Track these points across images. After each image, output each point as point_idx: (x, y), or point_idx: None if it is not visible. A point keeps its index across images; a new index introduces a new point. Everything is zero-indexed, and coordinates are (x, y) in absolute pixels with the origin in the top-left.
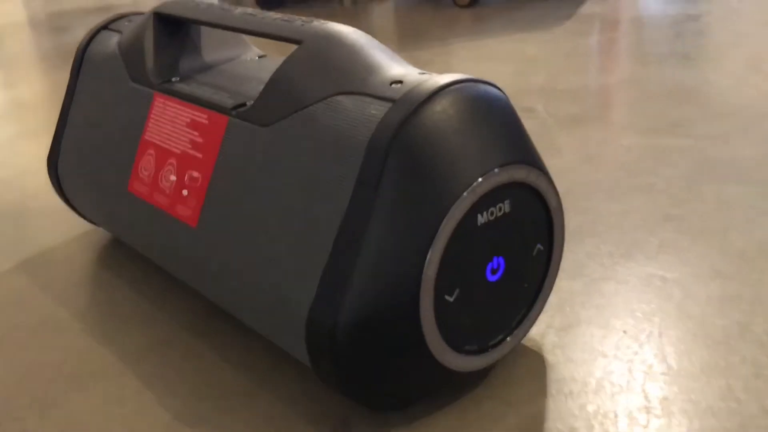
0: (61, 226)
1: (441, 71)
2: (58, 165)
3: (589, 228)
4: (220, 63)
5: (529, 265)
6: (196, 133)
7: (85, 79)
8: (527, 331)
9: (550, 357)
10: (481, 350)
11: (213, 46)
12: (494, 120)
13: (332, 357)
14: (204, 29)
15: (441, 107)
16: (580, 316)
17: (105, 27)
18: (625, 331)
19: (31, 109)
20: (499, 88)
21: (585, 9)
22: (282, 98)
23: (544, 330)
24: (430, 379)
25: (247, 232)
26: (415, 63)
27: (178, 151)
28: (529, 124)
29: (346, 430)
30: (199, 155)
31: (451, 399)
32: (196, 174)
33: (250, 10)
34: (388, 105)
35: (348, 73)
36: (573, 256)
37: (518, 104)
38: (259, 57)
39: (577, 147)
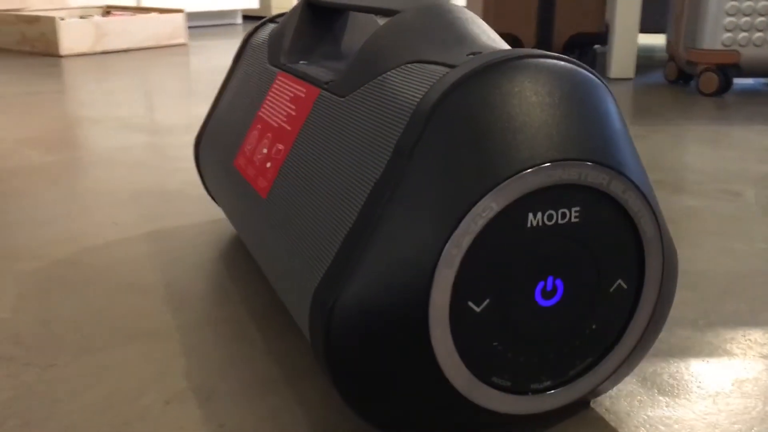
0: (205, 208)
1: (651, 147)
2: (200, 145)
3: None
4: (355, 48)
5: (602, 303)
6: (293, 107)
7: (240, 64)
8: (593, 389)
9: None
10: (517, 390)
11: (357, 34)
12: (575, 106)
13: (325, 344)
14: (351, 18)
15: (506, 78)
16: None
17: (271, 20)
18: None
19: None
20: (597, 76)
21: None
22: (362, 68)
23: (629, 408)
24: (437, 403)
25: (301, 204)
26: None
27: (276, 125)
28: (728, 207)
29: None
30: (289, 128)
31: None
32: (281, 147)
33: None
34: (450, 71)
35: (431, 44)
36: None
37: (725, 187)
38: None
39: None
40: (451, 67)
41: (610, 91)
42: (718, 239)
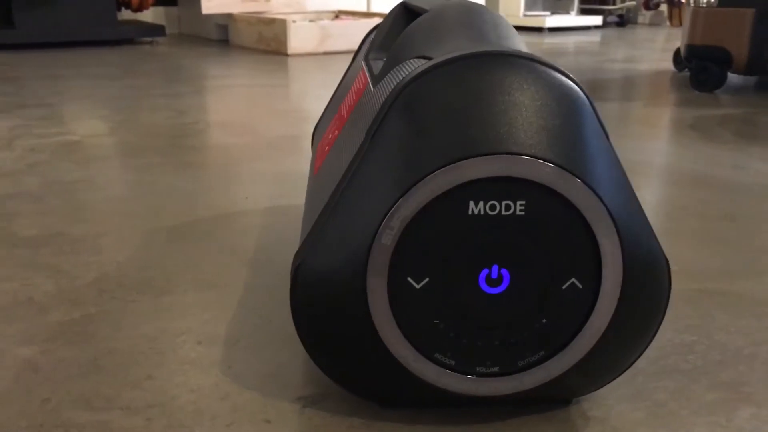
0: None
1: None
2: (315, 131)
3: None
4: None
5: (553, 299)
6: (354, 98)
7: (355, 59)
8: (541, 384)
9: None
10: (461, 370)
11: None
12: (538, 106)
13: (290, 301)
14: None
15: (469, 70)
16: None
17: None
18: None
19: None
20: (572, 79)
21: None
22: (388, 62)
23: (605, 415)
24: (381, 370)
25: (322, 180)
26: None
27: (342, 114)
28: (727, 230)
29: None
30: (345, 116)
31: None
32: (336, 132)
33: None
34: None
35: (434, 41)
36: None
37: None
38: None
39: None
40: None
41: (591, 102)
42: None
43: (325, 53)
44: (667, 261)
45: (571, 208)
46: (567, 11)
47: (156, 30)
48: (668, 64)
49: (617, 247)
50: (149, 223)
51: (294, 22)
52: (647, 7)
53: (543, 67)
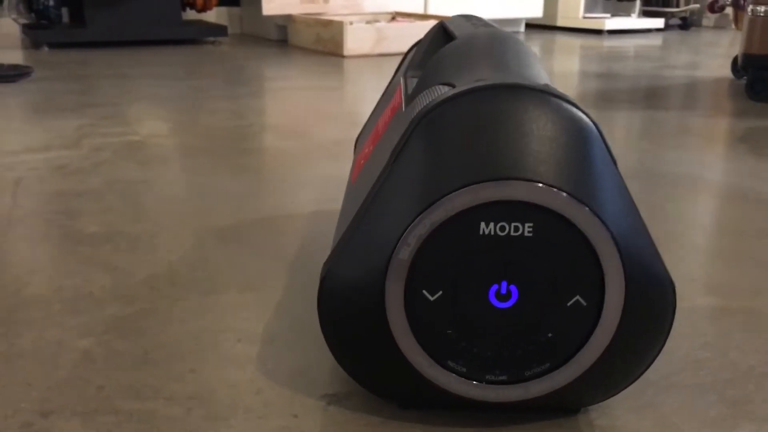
0: None
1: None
2: (357, 142)
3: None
4: None
5: (558, 314)
6: (389, 113)
7: (396, 74)
8: (547, 393)
9: None
10: (472, 377)
11: None
12: (549, 135)
13: (318, 305)
14: None
15: (486, 101)
16: None
17: None
18: None
19: None
20: (582, 110)
21: None
22: (418, 86)
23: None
24: (398, 374)
25: (355, 193)
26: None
27: (379, 127)
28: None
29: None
30: (381, 131)
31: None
32: (371, 147)
33: (484, 22)
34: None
35: (459, 69)
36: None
37: None
38: None
39: None
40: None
41: (600, 132)
42: None
43: (381, 55)
44: (672, 282)
45: (576, 231)
46: (628, 13)
47: (218, 30)
48: (728, 71)
49: (620, 269)
50: (200, 224)
51: (351, 23)
52: (712, 10)
53: (555, 99)
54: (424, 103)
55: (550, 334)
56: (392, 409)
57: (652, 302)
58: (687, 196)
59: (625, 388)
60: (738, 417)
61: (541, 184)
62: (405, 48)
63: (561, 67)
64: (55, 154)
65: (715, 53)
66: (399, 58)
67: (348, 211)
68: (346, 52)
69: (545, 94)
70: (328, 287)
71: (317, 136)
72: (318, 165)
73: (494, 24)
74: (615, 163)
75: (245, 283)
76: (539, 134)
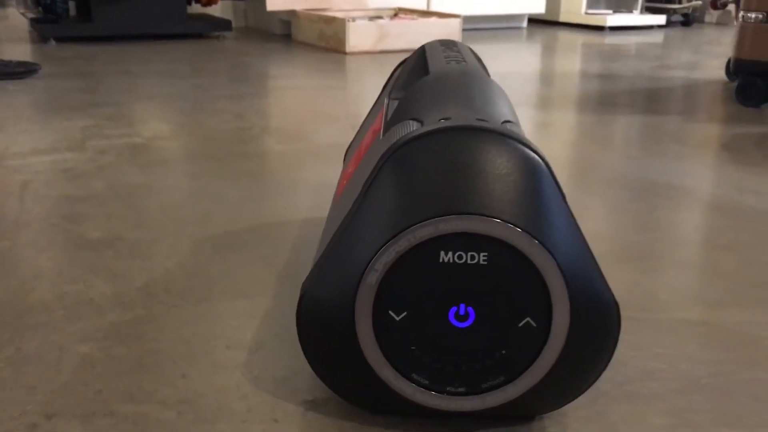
0: None
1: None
2: (346, 155)
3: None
4: None
5: (511, 334)
6: (370, 136)
7: (383, 92)
8: (501, 404)
9: None
10: (434, 389)
11: None
12: (501, 173)
13: (297, 322)
14: None
15: (447, 141)
16: None
17: None
18: None
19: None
20: (541, 155)
21: None
22: (395, 116)
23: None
24: (368, 385)
25: (335, 215)
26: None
27: (361, 149)
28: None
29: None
30: (363, 154)
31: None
32: (353, 168)
33: (459, 50)
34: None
35: (426, 105)
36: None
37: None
38: None
39: None
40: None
41: (550, 169)
42: None
43: (383, 51)
44: (616, 304)
45: (526, 260)
46: (630, 10)
47: (223, 24)
48: (724, 73)
49: (565, 294)
50: (197, 231)
51: (353, 20)
52: (714, 7)
53: (510, 140)
54: (395, 139)
55: (504, 351)
56: (364, 415)
57: (597, 323)
58: (667, 207)
59: (575, 398)
60: (681, 426)
61: (494, 219)
62: (407, 45)
63: (563, 67)
64: (60, 156)
65: (714, 52)
66: (401, 56)
67: (328, 231)
68: (348, 49)
69: (501, 136)
70: (305, 307)
71: (316, 140)
72: (313, 170)
73: (474, 52)
74: (563, 196)
75: (237, 291)
76: (494, 173)
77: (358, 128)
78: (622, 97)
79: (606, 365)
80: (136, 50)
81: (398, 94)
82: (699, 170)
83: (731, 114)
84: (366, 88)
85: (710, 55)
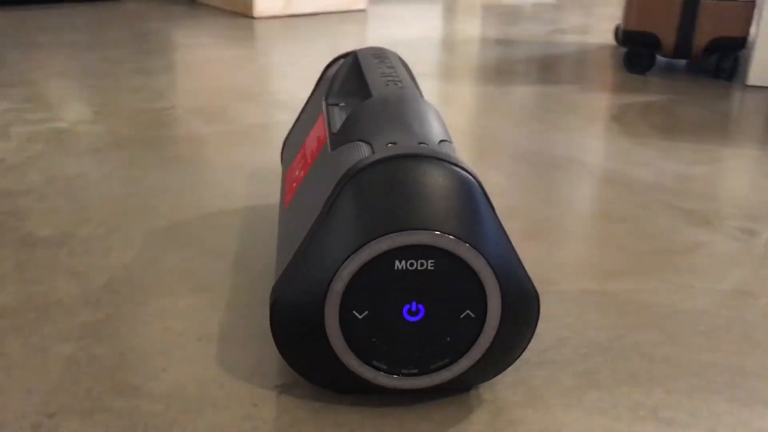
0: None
1: (718, 173)
2: (283, 150)
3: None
4: None
5: (454, 324)
6: (315, 144)
7: (317, 90)
8: (448, 380)
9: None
10: (391, 372)
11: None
12: (442, 193)
13: (271, 323)
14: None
15: (397, 168)
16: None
17: (343, 57)
18: None
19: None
20: (474, 176)
21: None
22: (341, 134)
23: (493, 397)
24: (337, 372)
25: (293, 221)
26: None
27: (307, 154)
28: (731, 246)
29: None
30: (309, 160)
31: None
32: (302, 173)
33: (391, 63)
34: (369, 155)
35: (372, 128)
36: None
37: (747, 225)
38: None
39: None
40: (372, 150)
41: (482, 186)
42: (688, 276)
43: (292, 16)
44: (536, 294)
45: (465, 263)
46: None
47: None
48: (613, 37)
49: (497, 289)
50: (145, 224)
51: None
52: None
53: (448, 164)
54: (348, 159)
55: (448, 338)
56: (331, 395)
57: (522, 309)
58: (567, 181)
59: (504, 370)
60: (587, 386)
61: (438, 232)
62: (316, 8)
63: (464, 32)
64: None
65: (604, 14)
66: (309, 21)
67: (287, 238)
68: (256, 14)
69: (441, 161)
70: (278, 309)
71: (241, 121)
72: (245, 154)
73: (403, 61)
74: (493, 208)
75: (196, 284)
76: (437, 193)
77: (280, 106)
78: (520, 66)
79: (529, 342)
80: (36, 16)
81: (336, 100)
82: (593, 143)
83: (620, 83)
84: (279, 61)
85: (601, 17)
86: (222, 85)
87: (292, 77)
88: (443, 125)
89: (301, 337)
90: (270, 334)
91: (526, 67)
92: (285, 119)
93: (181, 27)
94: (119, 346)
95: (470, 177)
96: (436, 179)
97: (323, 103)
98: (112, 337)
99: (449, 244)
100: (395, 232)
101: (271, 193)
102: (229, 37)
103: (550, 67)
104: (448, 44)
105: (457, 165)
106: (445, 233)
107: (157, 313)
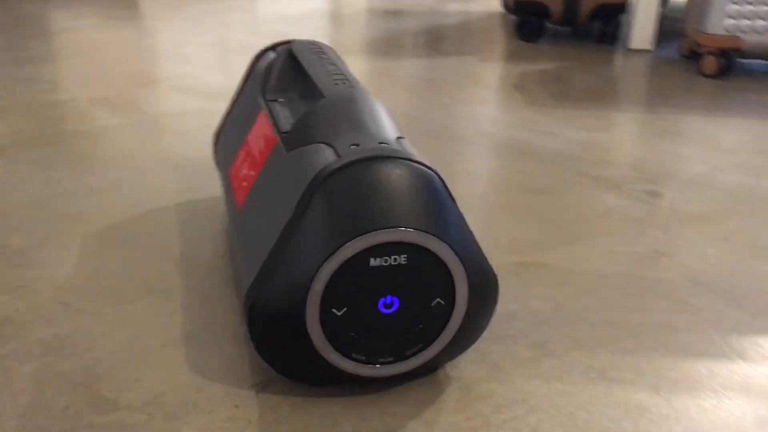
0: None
1: (618, 136)
2: (217, 144)
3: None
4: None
5: (426, 312)
6: (263, 143)
7: (247, 85)
8: (424, 364)
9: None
10: (369, 362)
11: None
12: (409, 192)
13: (248, 325)
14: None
15: (363, 171)
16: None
17: (272, 48)
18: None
19: None
20: (434, 171)
21: None
22: (298, 135)
23: (459, 374)
24: (317, 366)
25: (254, 222)
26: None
27: (253, 153)
28: (639, 209)
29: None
30: (259, 159)
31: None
32: (252, 173)
33: (331, 59)
34: (336, 159)
35: (334, 129)
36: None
37: (651, 188)
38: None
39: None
40: (337, 153)
41: (444, 183)
42: (608, 241)
43: None
44: (495, 277)
45: (434, 256)
46: None
47: None
48: (500, 5)
49: (464, 277)
50: (77, 229)
51: None
52: None
53: (413, 164)
54: (314, 163)
55: (421, 326)
56: (308, 389)
57: (485, 293)
58: (476, 154)
59: (468, 348)
60: (542, 355)
61: (407, 228)
62: None
63: (353, 6)
64: None
65: None
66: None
67: (249, 241)
68: None
69: (404, 160)
70: (257, 311)
71: (149, 110)
72: (164, 146)
73: (336, 53)
74: (454, 200)
75: (147, 288)
76: (403, 192)
77: (185, 91)
78: (413, 37)
79: (489, 321)
80: None
81: (275, 96)
82: (501, 114)
83: (514, 51)
84: (173, 40)
85: None
86: (119, 71)
87: (194, 60)
88: (394, 121)
89: (282, 336)
90: (237, 334)
91: (420, 38)
92: (198, 106)
93: (59, 8)
94: (85, 359)
95: (432, 172)
96: (401, 179)
97: (261, 100)
98: (74, 351)
99: (420, 239)
100: (370, 231)
101: (202, 187)
102: (113, 17)
103: (443, 38)
104: (338, 17)
105: (418, 162)
106: (415, 229)
107: (115, 321)
